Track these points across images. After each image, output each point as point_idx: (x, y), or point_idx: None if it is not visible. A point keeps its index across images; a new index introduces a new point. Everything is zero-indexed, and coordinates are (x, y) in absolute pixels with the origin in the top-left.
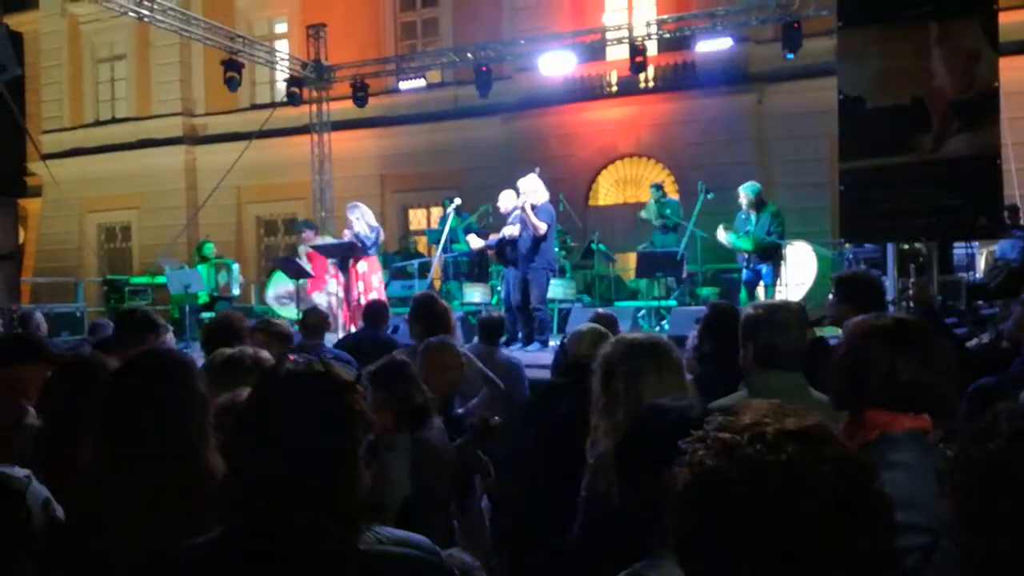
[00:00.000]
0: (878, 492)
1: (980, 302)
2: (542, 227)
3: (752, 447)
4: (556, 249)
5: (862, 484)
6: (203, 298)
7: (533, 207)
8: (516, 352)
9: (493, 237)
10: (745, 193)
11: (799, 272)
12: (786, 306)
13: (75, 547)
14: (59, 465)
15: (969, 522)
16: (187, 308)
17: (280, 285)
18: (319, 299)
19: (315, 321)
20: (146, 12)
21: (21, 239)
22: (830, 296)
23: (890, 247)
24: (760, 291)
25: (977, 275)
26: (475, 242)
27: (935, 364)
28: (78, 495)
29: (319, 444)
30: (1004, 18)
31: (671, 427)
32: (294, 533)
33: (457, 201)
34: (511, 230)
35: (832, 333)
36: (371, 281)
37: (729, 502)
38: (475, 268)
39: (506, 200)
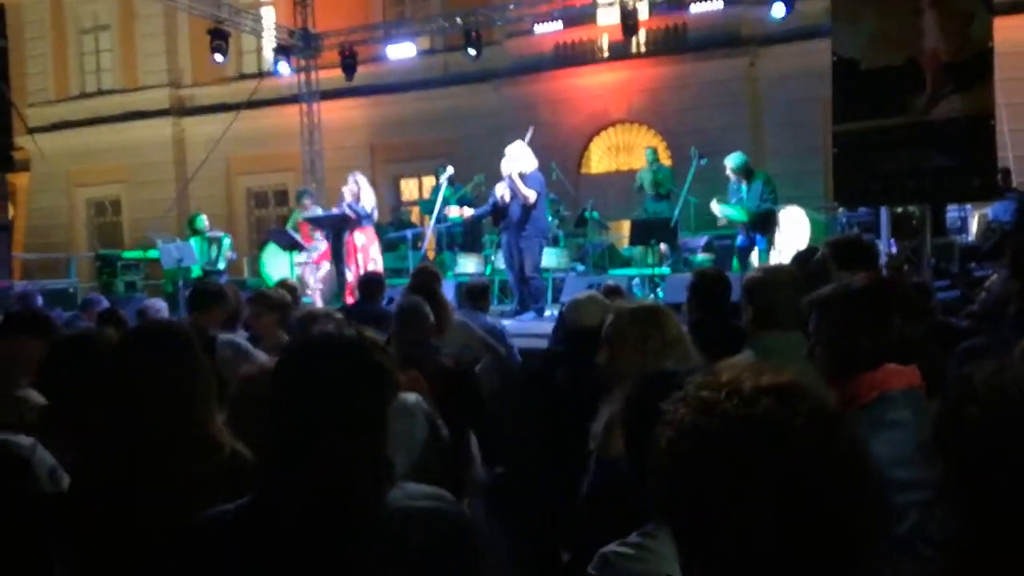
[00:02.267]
0: (852, 443)
1: (973, 264)
2: (532, 195)
3: (729, 402)
4: (549, 218)
5: (836, 435)
6: (196, 271)
7: (522, 175)
8: (510, 322)
9: (479, 208)
10: (730, 164)
11: (792, 237)
12: (784, 268)
13: (82, 516)
14: (64, 439)
15: (956, 487)
16: (181, 282)
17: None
18: (324, 270)
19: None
20: None
21: (10, 214)
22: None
23: (883, 210)
24: (754, 257)
25: (970, 238)
26: (457, 211)
27: (913, 314)
28: (83, 467)
29: (353, 405)
30: None
31: (670, 393)
32: (330, 494)
33: (450, 170)
34: (501, 188)
35: None
36: (369, 253)
37: (708, 456)
38: (468, 238)
39: (507, 167)
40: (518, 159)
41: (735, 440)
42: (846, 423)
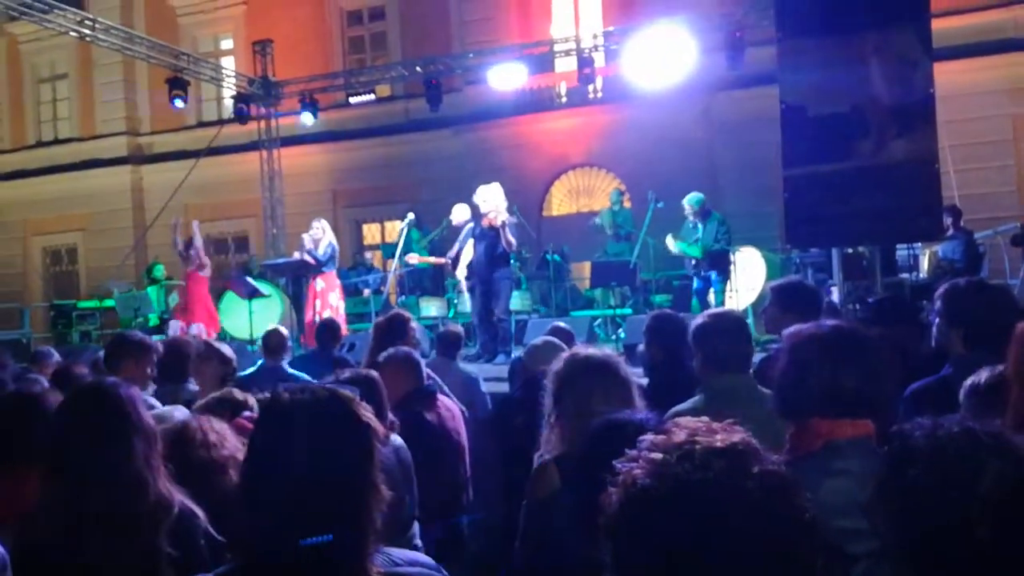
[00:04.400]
0: (801, 506)
1: (924, 302)
2: (515, 243)
3: (681, 466)
4: (512, 261)
5: (786, 498)
6: (153, 321)
7: (504, 224)
8: (484, 366)
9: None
10: (689, 205)
11: (749, 277)
12: (730, 314)
13: None
14: (3, 501)
15: (900, 545)
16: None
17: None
18: (174, 328)
19: (276, 342)
20: (88, 31)
21: None
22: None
23: (835, 251)
24: (711, 298)
25: (921, 275)
26: (416, 259)
27: (874, 371)
28: (24, 531)
29: (340, 466)
30: (937, 24)
31: (629, 441)
32: (318, 562)
33: (410, 216)
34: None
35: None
36: (328, 299)
37: (659, 520)
38: (431, 282)
39: (459, 213)
40: (499, 206)
41: (687, 505)
42: (797, 485)
